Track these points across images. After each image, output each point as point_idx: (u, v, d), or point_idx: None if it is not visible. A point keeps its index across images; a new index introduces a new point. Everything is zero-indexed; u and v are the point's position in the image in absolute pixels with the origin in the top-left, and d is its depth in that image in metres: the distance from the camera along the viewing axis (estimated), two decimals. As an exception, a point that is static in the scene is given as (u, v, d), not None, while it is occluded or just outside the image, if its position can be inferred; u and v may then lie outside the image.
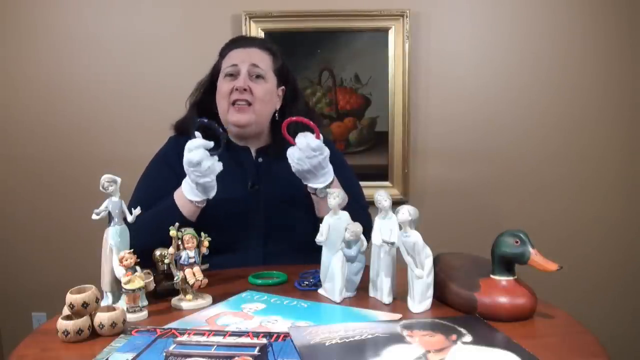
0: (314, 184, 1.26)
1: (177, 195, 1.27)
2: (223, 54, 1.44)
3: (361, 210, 1.33)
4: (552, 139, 2.18)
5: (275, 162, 1.37)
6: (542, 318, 0.96)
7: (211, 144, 1.19)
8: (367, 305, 1.04)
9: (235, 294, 1.11)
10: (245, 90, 1.35)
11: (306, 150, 1.20)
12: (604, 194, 2.20)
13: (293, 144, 1.23)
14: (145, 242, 1.08)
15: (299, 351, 0.81)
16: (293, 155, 1.22)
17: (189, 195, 1.23)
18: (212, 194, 1.23)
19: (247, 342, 0.85)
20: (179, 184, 1.38)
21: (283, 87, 1.45)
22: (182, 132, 1.46)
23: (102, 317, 0.90)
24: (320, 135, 1.22)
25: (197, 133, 1.19)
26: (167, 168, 1.41)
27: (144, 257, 1.07)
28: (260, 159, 1.43)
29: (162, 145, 1.48)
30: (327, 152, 1.23)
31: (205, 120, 1.24)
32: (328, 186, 1.27)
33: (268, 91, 1.39)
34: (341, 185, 1.27)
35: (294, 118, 1.25)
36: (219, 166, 1.20)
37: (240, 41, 1.46)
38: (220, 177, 1.24)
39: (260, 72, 1.38)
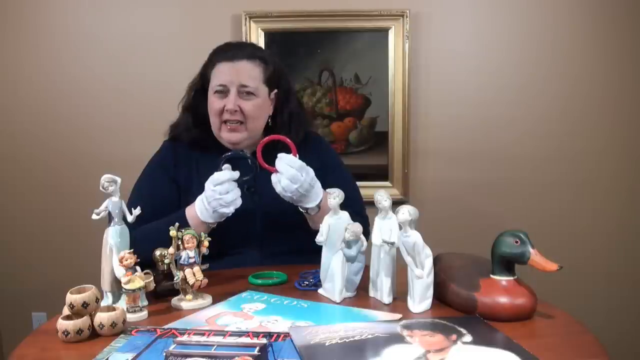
0: (307, 205, 1.26)
1: (189, 215, 1.27)
2: (212, 63, 1.39)
3: (358, 218, 1.33)
4: (552, 139, 2.18)
5: (270, 165, 1.37)
6: (542, 318, 0.96)
7: (237, 174, 1.24)
8: (367, 305, 1.04)
9: (235, 294, 1.11)
10: (235, 111, 1.34)
11: (296, 180, 1.20)
12: (605, 194, 2.20)
13: (273, 171, 1.23)
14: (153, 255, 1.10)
15: (299, 351, 0.81)
16: (287, 188, 1.21)
17: (203, 217, 1.24)
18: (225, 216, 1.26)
19: (247, 342, 0.85)
20: (174, 188, 1.37)
21: (276, 90, 1.43)
22: (176, 137, 1.46)
23: (102, 317, 0.90)
24: (297, 154, 1.24)
25: (225, 166, 1.24)
26: (162, 173, 1.41)
27: (147, 265, 1.08)
28: (256, 163, 1.43)
29: (157, 150, 1.47)
30: (311, 170, 1.24)
31: (230, 154, 1.28)
32: (319, 205, 1.27)
33: (258, 106, 1.37)
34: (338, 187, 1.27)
35: (265, 140, 1.27)
36: (239, 202, 1.23)
37: (229, 52, 1.39)
38: None
39: (250, 90, 1.35)
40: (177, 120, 1.47)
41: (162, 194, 1.37)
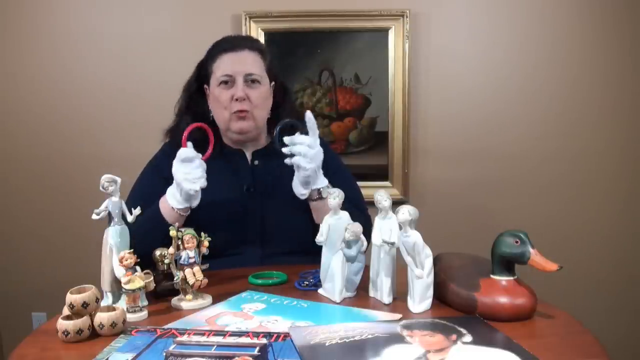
0: (319, 184, 1.27)
1: (161, 203, 1.27)
2: (212, 56, 1.40)
3: (361, 215, 1.33)
4: (552, 138, 2.18)
5: (271, 164, 1.37)
6: (542, 318, 0.96)
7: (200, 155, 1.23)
8: (367, 305, 1.04)
9: (235, 294, 1.11)
10: (244, 99, 1.34)
11: (307, 155, 1.22)
12: (604, 193, 2.20)
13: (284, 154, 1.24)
14: (133, 248, 1.09)
15: (299, 351, 0.81)
16: (308, 165, 1.23)
17: (171, 202, 1.24)
18: (195, 203, 1.24)
19: (247, 342, 0.85)
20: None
21: (273, 83, 1.44)
22: (175, 139, 1.42)
23: (102, 317, 0.90)
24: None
25: (188, 143, 1.22)
26: (157, 173, 1.39)
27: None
28: (256, 162, 1.42)
29: (157, 153, 1.46)
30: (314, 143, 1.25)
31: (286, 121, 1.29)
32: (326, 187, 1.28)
33: (263, 94, 1.38)
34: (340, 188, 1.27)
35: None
36: (204, 182, 1.21)
37: (230, 44, 1.40)
38: (215, 182, 1.24)
39: (256, 77, 1.36)
40: (175, 123, 1.44)
41: (153, 192, 1.35)
